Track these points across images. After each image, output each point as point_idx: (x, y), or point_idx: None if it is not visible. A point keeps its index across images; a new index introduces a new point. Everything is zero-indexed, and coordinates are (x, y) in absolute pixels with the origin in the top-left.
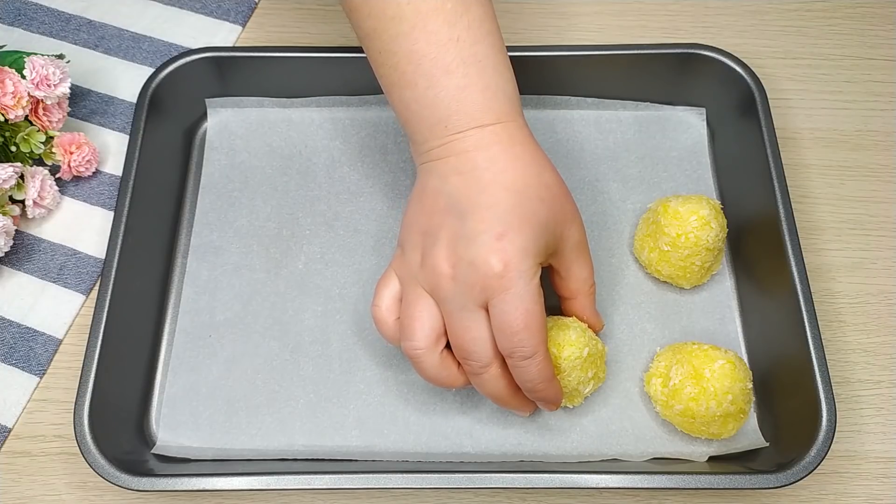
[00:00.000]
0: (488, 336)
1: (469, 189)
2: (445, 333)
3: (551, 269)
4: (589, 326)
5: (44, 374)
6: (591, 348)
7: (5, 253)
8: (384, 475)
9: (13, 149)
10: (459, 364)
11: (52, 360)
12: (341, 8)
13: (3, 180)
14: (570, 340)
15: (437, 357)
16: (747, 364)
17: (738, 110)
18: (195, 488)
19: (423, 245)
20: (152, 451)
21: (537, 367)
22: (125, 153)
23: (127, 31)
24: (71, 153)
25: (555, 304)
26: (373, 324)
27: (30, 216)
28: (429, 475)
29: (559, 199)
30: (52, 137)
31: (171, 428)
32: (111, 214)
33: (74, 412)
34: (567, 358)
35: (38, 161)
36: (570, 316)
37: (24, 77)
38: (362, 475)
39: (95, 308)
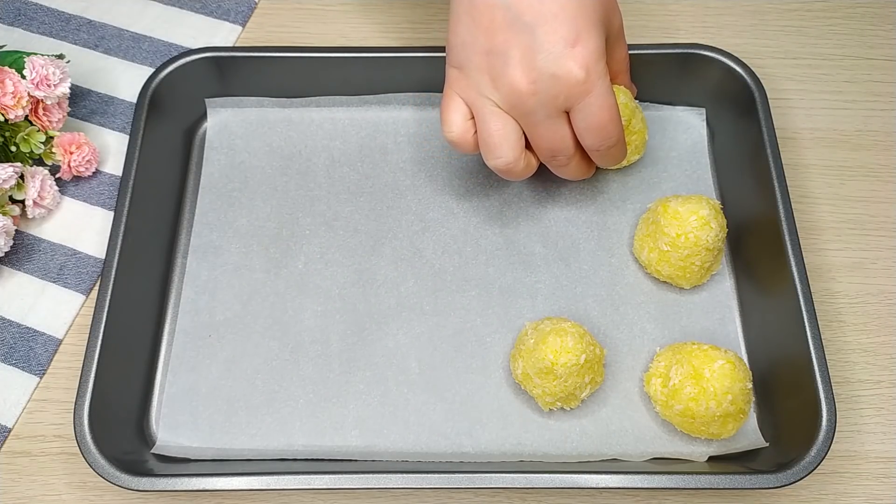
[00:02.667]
0: (571, 133)
1: None
2: (524, 141)
3: None
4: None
5: (44, 374)
6: (589, 354)
7: (5, 253)
8: (384, 475)
9: (13, 149)
10: (534, 155)
11: (52, 360)
12: None
13: (3, 180)
14: (568, 347)
15: (523, 163)
16: (747, 364)
17: (738, 110)
18: (195, 488)
19: (489, 65)
20: (152, 451)
21: (620, 150)
22: (125, 153)
23: (127, 31)
24: (71, 153)
25: (556, 306)
26: (373, 324)
27: (30, 216)
28: (429, 475)
29: None
30: (52, 137)
31: (170, 428)
32: (111, 214)
33: (74, 412)
34: (564, 364)
35: (38, 161)
36: None
37: (24, 77)
38: (362, 475)
39: (95, 308)
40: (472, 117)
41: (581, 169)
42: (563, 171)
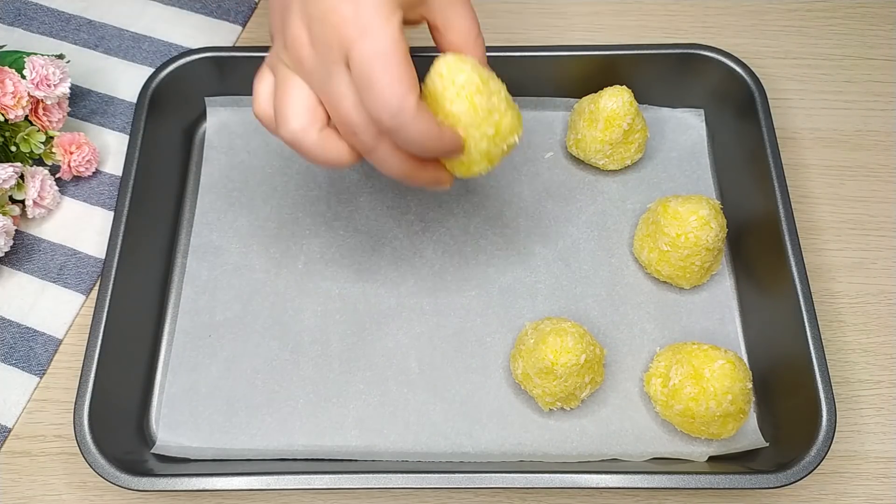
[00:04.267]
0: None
1: None
2: (322, 110)
3: (429, 26)
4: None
5: (44, 374)
6: (589, 354)
7: (5, 253)
8: (384, 475)
9: (13, 149)
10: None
11: (52, 360)
12: None
13: (3, 180)
14: (568, 347)
15: (315, 136)
16: (747, 364)
17: (738, 110)
18: (195, 488)
19: (282, 23)
20: (152, 450)
21: (411, 121)
22: (125, 153)
23: (127, 31)
24: (71, 153)
25: (556, 306)
26: (373, 324)
27: (30, 216)
28: (429, 475)
29: None
30: (52, 137)
31: (170, 428)
32: (111, 214)
33: (74, 412)
34: (564, 364)
35: (38, 161)
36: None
37: (24, 77)
38: (362, 475)
39: (95, 308)
40: None
41: (400, 160)
42: (377, 159)
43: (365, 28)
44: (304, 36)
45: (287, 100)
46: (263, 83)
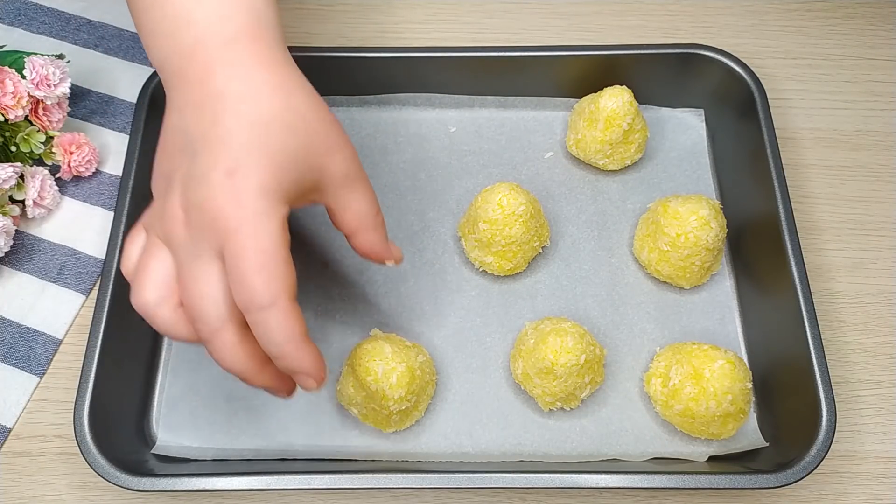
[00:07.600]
0: (221, 294)
1: (202, 122)
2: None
3: (326, 208)
4: (383, 261)
5: (44, 374)
6: (589, 354)
7: (5, 253)
8: (384, 475)
9: (13, 149)
10: None
11: (52, 360)
12: None
13: (3, 180)
14: (568, 347)
15: (168, 312)
16: (747, 364)
17: (738, 110)
18: (195, 488)
19: (163, 190)
20: (152, 451)
21: (277, 320)
22: (125, 153)
23: (127, 31)
24: (71, 153)
25: (556, 306)
26: (373, 324)
27: (30, 216)
28: (429, 475)
29: (314, 126)
30: (52, 137)
31: (170, 428)
32: (111, 214)
33: (74, 412)
34: (564, 364)
35: (38, 161)
36: (359, 252)
37: (24, 77)
38: (362, 475)
39: (95, 308)
40: None
41: (237, 357)
42: (212, 349)
43: (244, 224)
44: (181, 216)
45: (147, 269)
46: (134, 244)
